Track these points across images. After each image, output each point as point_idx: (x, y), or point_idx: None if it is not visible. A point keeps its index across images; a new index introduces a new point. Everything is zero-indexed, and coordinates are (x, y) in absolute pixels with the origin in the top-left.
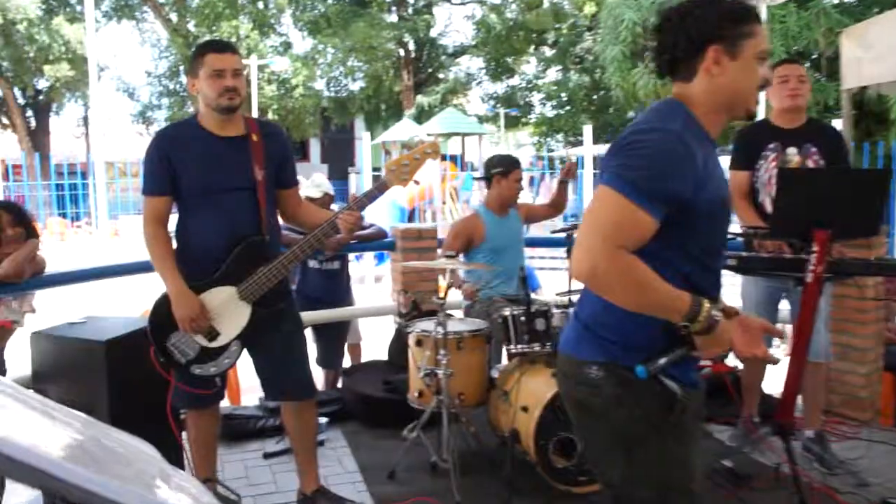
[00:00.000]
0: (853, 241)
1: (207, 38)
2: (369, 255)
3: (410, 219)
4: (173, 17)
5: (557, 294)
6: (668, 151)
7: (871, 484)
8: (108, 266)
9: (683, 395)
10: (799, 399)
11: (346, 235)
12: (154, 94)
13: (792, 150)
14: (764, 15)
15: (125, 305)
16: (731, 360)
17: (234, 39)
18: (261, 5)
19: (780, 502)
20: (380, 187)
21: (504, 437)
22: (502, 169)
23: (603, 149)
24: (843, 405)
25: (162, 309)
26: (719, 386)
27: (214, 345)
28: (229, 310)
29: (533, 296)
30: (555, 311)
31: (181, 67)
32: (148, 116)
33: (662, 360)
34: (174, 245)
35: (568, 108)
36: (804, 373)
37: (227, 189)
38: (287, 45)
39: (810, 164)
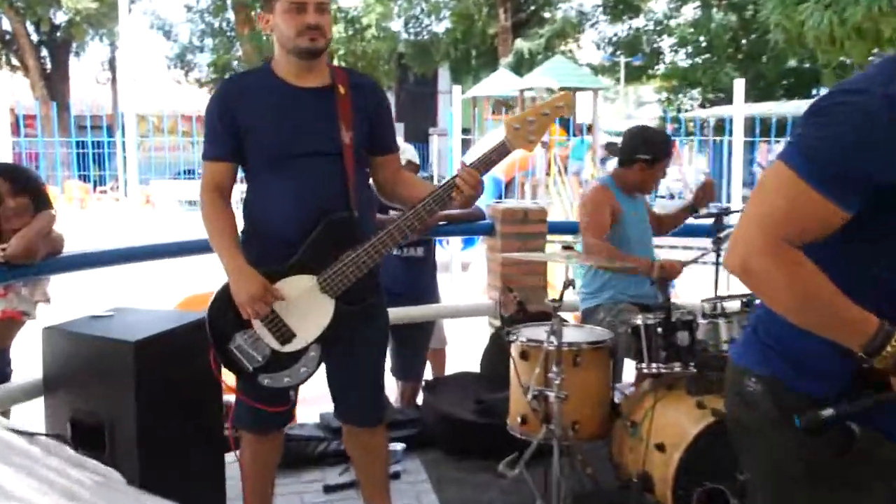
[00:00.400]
0: None
1: None
2: (455, 238)
3: (506, 193)
4: None
5: (704, 300)
6: (868, 121)
7: None
8: (139, 247)
9: (865, 438)
10: None
11: (463, 200)
12: (195, 32)
13: None
14: None
15: (159, 294)
16: None
17: None
18: None
19: None
20: (499, 150)
21: (630, 482)
22: (650, 157)
23: (757, 108)
24: None
25: (223, 301)
26: None
27: (289, 349)
28: (308, 305)
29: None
30: (701, 321)
31: (227, 1)
32: (188, 60)
33: (832, 412)
34: (241, 226)
35: (707, 55)
36: None
37: (306, 153)
38: None
39: None
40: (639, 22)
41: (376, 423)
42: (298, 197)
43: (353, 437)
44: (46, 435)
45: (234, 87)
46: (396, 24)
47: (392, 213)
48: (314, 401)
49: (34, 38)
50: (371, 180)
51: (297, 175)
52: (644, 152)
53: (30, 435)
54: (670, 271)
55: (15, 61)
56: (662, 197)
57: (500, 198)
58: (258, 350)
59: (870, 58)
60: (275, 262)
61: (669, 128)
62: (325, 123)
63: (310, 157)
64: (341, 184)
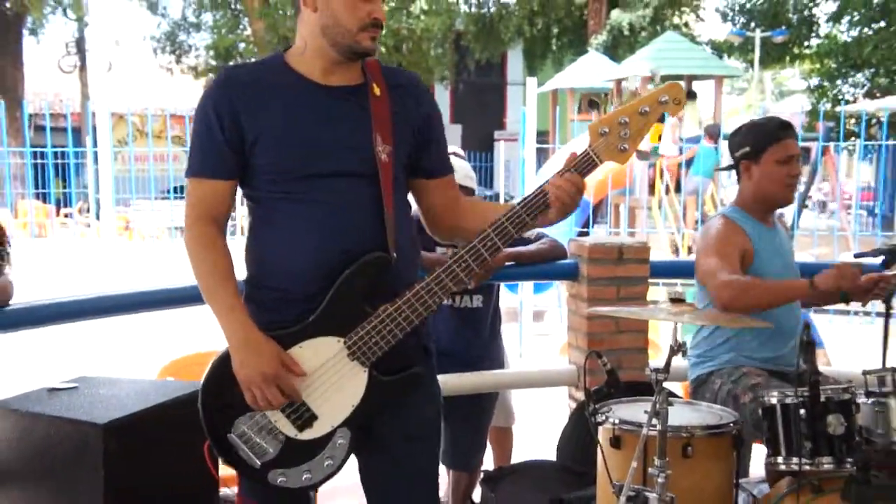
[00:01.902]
0: None
1: None
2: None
3: (595, 218)
4: None
5: (867, 371)
6: None
7: None
8: (112, 295)
9: None
10: None
11: (559, 210)
12: (190, 5)
13: None
14: None
15: (137, 355)
16: None
17: None
18: None
19: None
20: (582, 165)
21: None
22: (751, 147)
23: None
24: None
25: (221, 376)
26: None
27: (308, 436)
28: (332, 377)
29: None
30: (862, 399)
31: None
32: (180, 42)
33: None
34: (247, 267)
35: (881, 25)
36: None
37: (331, 174)
38: None
39: None
40: None
41: None
42: (320, 231)
43: None
44: None
45: (238, 83)
46: None
47: (440, 249)
48: (330, 496)
49: None
50: (416, 210)
51: (320, 202)
52: (742, 145)
53: None
54: (850, 278)
55: None
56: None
57: (586, 227)
58: (269, 439)
59: None
60: (289, 318)
61: (820, 126)
62: (356, 135)
63: (336, 179)
64: (376, 214)
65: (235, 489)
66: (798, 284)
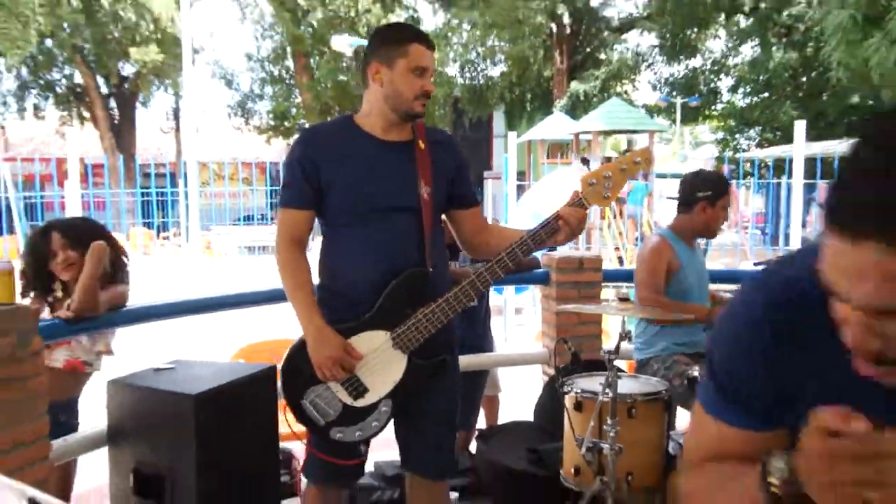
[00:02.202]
0: None
1: (320, 14)
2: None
3: None
4: None
5: None
6: None
7: None
8: (197, 299)
9: None
10: None
11: (565, 238)
12: (255, 81)
13: None
14: None
15: (215, 342)
16: None
17: (351, 15)
18: None
19: None
20: (576, 207)
21: None
22: (711, 193)
23: (818, 147)
24: None
25: (298, 356)
26: None
27: (361, 403)
28: (380, 360)
29: None
30: None
31: (287, 49)
32: (248, 108)
33: None
34: (320, 277)
35: (766, 94)
36: None
37: (387, 208)
38: (415, 22)
39: None
40: (696, 62)
41: (443, 476)
42: (377, 251)
43: (417, 488)
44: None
45: (319, 139)
46: (452, 69)
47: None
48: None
49: (103, 90)
50: (455, 235)
51: (376, 229)
52: (703, 190)
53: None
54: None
55: (85, 113)
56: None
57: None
58: (331, 405)
59: None
60: (350, 316)
61: (725, 169)
62: (405, 179)
63: (390, 213)
64: (418, 239)
65: (292, 444)
66: (698, 308)
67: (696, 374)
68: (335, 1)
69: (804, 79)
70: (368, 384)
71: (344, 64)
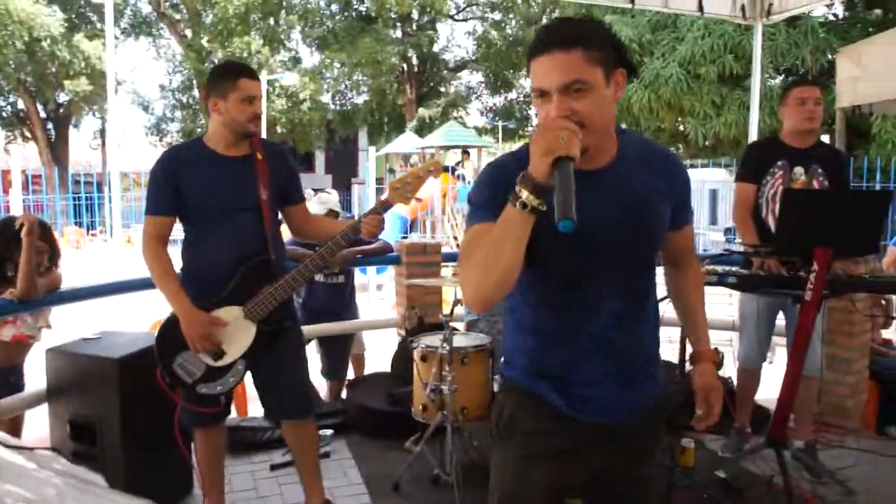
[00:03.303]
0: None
1: (220, 54)
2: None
3: (412, 228)
4: (188, 33)
5: None
6: None
7: (858, 493)
8: (123, 281)
9: None
10: None
11: (367, 235)
12: (167, 107)
13: (799, 170)
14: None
15: (135, 317)
16: (724, 371)
17: (245, 55)
18: (271, 22)
19: None
20: (383, 205)
21: None
22: None
23: None
24: (830, 414)
25: (169, 329)
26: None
27: (220, 364)
28: (235, 329)
29: None
30: None
31: (194, 81)
32: (161, 129)
33: None
34: (178, 266)
35: None
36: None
37: (233, 209)
38: (296, 61)
39: (815, 184)
40: (512, 95)
41: (303, 415)
42: (227, 244)
43: (289, 429)
44: (45, 449)
45: (176, 158)
46: (326, 98)
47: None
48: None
49: (42, 114)
50: (287, 226)
51: (226, 226)
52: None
53: (30, 450)
54: None
55: (27, 133)
56: None
57: (406, 233)
58: (196, 366)
59: (676, 123)
60: (210, 295)
61: None
62: (247, 185)
63: (236, 212)
64: (260, 232)
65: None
66: None
67: None
68: (232, 44)
69: None
70: (226, 348)
71: None
